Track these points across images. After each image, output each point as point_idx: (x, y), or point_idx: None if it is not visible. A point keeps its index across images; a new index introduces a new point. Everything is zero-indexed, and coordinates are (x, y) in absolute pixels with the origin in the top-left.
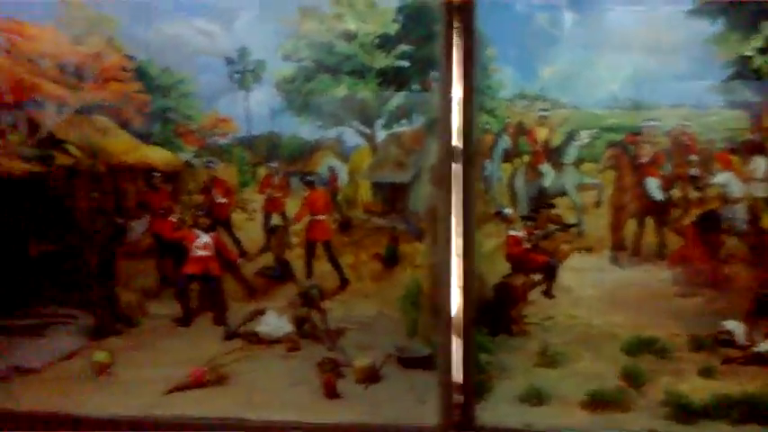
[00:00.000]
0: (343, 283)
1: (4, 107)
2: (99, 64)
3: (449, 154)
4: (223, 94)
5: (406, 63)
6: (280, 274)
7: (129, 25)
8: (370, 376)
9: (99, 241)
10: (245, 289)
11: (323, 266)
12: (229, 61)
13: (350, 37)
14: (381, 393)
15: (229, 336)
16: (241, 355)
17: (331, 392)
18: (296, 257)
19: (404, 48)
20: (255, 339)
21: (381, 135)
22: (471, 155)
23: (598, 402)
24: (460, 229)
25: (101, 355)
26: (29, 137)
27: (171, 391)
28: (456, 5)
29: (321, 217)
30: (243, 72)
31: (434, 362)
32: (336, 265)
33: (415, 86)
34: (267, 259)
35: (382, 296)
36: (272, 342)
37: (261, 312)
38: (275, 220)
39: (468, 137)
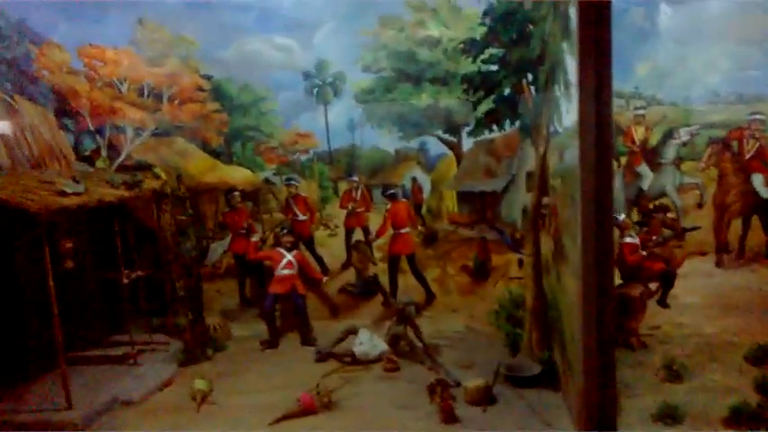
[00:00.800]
0: (429, 297)
1: (86, 133)
2: (176, 85)
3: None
4: (302, 110)
5: (494, 67)
6: (363, 290)
7: (206, 44)
8: (486, 397)
9: (184, 265)
10: (327, 307)
11: (407, 281)
12: (307, 75)
13: (432, 44)
14: (502, 416)
15: (322, 357)
16: (342, 378)
17: (450, 417)
18: (379, 272)
19: (492, 51)
20: (350, 360)
21: (468, 143)
22: (607, 158)
23: (741, 418)
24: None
25: (201, 384)
26: (111, 162)
27: (281, 420)
28: (593, 3)
29: (404, 230)
30: (321, 86)
31: (551, 380)
32: (421, 280)
33: (507, 91)
34: (350, 276)
35: (470, 310)
36: (368, 362)
37: (353, 331)
38: (357, 235)
39: (604, 138)
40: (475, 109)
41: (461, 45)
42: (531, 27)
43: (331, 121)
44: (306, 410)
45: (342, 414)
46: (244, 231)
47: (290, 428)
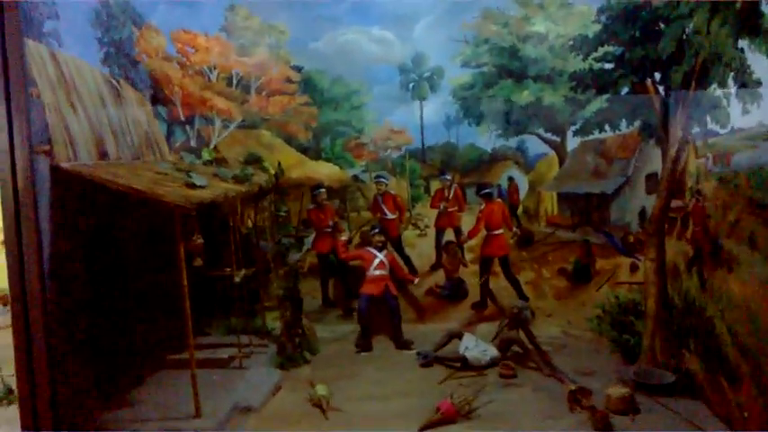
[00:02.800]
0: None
1: (177, 122)
2: (265, 75)
3: None
4: (396, 105)
5: (609, 65)
6: (452, 292)
7: (297, 34)
8: (631, 406)
9: (271, 263)
10: (414, 309)
11: (499, 284)
12: (404, 69)
13: (538, 40)
14: (653, 424)
15: (428, 362)
16: (461, 384)
17: (605, 426)
18: (470, 274)
19: (607, 49)
20: (460, 366)
21: (573, 143)
22: None
23: None
24: None
25: (323, 389)
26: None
27: (424, 429)
28: None
29: (498, 231)
30: (418, 80)
31: (686, 388)
32: (514, 283)
33: (625, 90)
34: (438, 278)
35: (567, 315)
36: (480, 368)
37: (456, 336)
38: (448, 235)
39: None
40: (583, 108)
41: (570, 42)
42: (661, 25)
43: (426, 118)
44: (447, 418)
45: (483, 423)
46: (329, 230)
47: None
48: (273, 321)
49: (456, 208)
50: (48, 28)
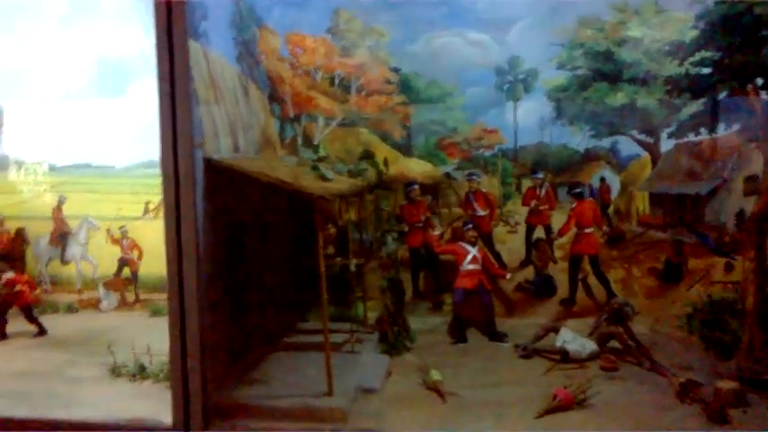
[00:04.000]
0: (610, 298)
1: (287, 120)
2: (364, 76)
3: None
4: (490, 106)
5: (707, 70)
6: (541, 288)
7: (396, 37)
8: (742, 399)
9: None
10: (503, 304)
11: (590, 281)
12: (500, 71)
13: (633, 44)
14: (762, 419)
15: (527, 354)
16: (565, 376)
17: (721, 418)
18: (559, 271)
19: (705, 54)
20: (560, 358)
21: (667, 144)
22: None
23: None
24: None
25: (437, 375)
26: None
27: (543, 415)
28: None
29: (589, 230)
30: (513, 82)
31: None
32: (603, 280)
33: (723, 94)
34: (527, 274)
35: (655, 314)
36: (580, 361)
37: (553, 329)
38: (538, 233)
39: None
40: (678, 111)
41: (666, 47)
42: (764, 31)
43: (519, 118)
44: (564, 406)
45: (597, 412)
46: (420, 225)
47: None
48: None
49: (547, 206)
50: (201, 28)
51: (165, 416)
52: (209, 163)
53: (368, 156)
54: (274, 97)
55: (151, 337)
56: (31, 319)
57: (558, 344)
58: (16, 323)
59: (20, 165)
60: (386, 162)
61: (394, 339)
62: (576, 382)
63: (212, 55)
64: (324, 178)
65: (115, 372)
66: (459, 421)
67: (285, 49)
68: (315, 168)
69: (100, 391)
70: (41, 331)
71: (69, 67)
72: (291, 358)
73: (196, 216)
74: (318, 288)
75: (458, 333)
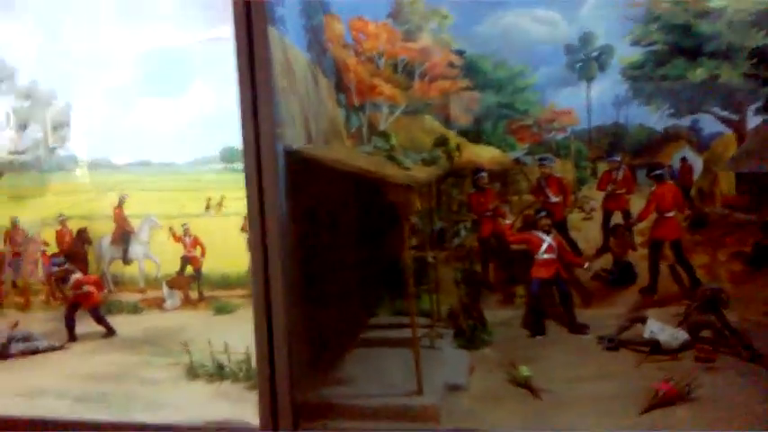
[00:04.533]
0: (694, 285)
1: (352, 109)
2: (428, 61)
3: None
4: (562, 86)
5: None
6: (620, 277)
7: (460, 18)
8: None
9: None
10: (579, 294)
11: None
12: (571, 49)
13: (715, 16)
14: None
15: (614, 346)
16: (661, 369)
17: None
18: (639, 258)
19: None
20: (649, 350)
21: (754, 121)
22: None
23: None
24: None
25: (526, 371)
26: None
27: (648, 410)
28: None
29: (670, 213)
30: (585, 60)
31: None
32: (687, 266)
33: None
34: (605, 261)
35: (744, 300)
36: (671, 352)
37: (640, 320)
38: (616, 218)
39: None
40: (765, 85)
41: (751, 17)
42: None
43: (593, 98)
44: (668, 400)
45: (702, 406)
46: (490, 213)
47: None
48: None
49: (625, 190)
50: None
51: (250, 417)
52: (288, 154)
53: (442, 142)
54: (340, 86)
55: (222, 335)
56: (100, 320)
57: (646, 335)
58: (83, 324)
59: (80, 163)
60: (458, 148)
61: (470, 333)
62: (672, 374)
63: (287, 42)
64: (403, 167)
65: (192, 372)
66: (558, 418)
67: (349, 36)
68: (391, 158)
69: (179, 393)
70: (110, 332)
71: (127, 63)
72: (371, 355)
73: (280, 209)
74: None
75: (536, 325)
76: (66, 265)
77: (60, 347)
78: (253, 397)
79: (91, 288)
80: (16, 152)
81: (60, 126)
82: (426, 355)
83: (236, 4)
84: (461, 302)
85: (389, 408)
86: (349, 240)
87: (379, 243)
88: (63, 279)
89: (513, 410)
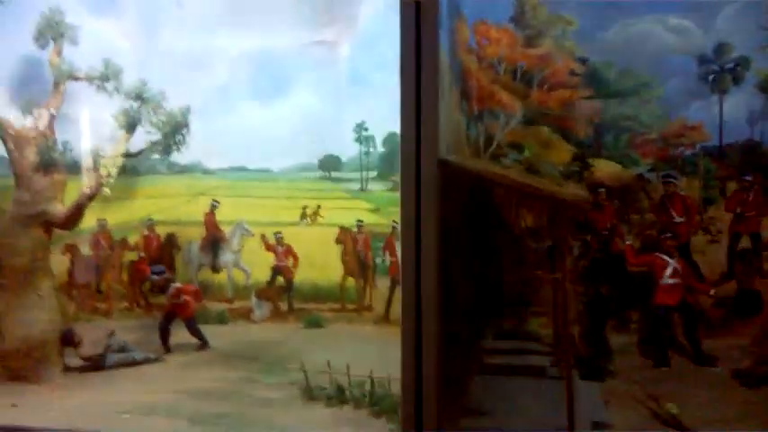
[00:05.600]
0: None
1: (472, 118)
2: (548, 68)
3: None
4: (692, 99)
5: None
6: (744, 305)
7: (585, 24)
8: None
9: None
10: (701, 322)
11: None
12: (703, 60)
13: None
14: None
15: (755, 382)
16: None
17: None
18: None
19: None
20: None
21: None
22: None
23: None
24: None
25: (673, 408)
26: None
27: None
28: None
29: None
30: (719, 72)
31: None
32: None
33: None
34: (728, 289)
35: None
36: None
37: None
38: (744, 242)
39: None
40: None
41: None
42: None
43: (726, 113)
44: None
45: None
46: (607, 232)
47: None
48: (539, 328)
49: (755, 212)
50: None
51: None
52: (445, 165)
53: (580, 157)
54: (463, 93)
55: (321, 352)
56: (194, 332)
57: None
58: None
59: (173, 167)
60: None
61: (593, 363)
62: None
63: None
64: (556, 182)
65: (308, 394)
66: None
67: (473, 39)
68: (534, 171)
69: (297, 416)
70: (204, 344)
71: (227, 65)
72: (496, 383)
73: (438, 225)
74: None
75: (659, 356)
76: (166, 274)
77: (156, 359)
78: (379, 424)
79: (188, 298)
80: (128, 154)
81: (178, 129)
82: (554, 387)
83: (405, 5)
84: (582, 328)
85: None
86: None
87: (489, 261)
88: (162, 288)
89: None
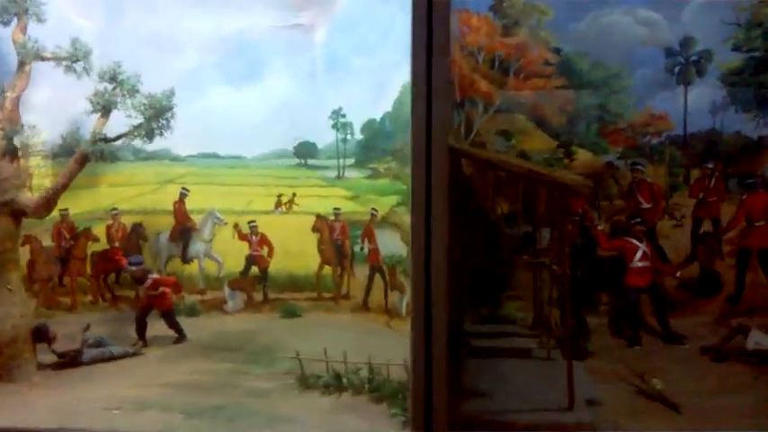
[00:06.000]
0: None
1: (454, 106)
2: (524, 57)
3: None
4: (659, 89)
5: None
6: (706, 286)
7: (559, 15)
8: None
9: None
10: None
11: (758, 278)
12: (670, 53)
13: None
14: None
15: (721, 357)
16: None
17: None
18: (726, 267)
19: None
20: (758, 360)
21: None
22: None
23: None
24: None
25: (658, 384)
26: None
27: None
28: None
29: (760, 223)
30: (684, 64)
31: None
32: None
33: None
34: (692, 270)
35: None
36: None
37: (742, 330)
38: (705, 226)
39: None
40: None
41: None
42: None
43: (690, 103)
44: None
45: None
46: (577, 218)
47: None
48: (516, 311)
49: (716, 198)
50: None
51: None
52: (452, 152)
53: (565, 144)
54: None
55: (305, 341)
56: (172, 324)
57: (751, 345)
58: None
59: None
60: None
61: (573, 343)
62: None
63: None
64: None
65: (304, 383)
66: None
67: (457, 28)
68: (524, 157)
69: (298, 405)
70: (181, 337)
71: (197, 48)
72: (489, 365)
73: (449, 212)
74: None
75: (632, 335)
76: (143, 265)
77: (134, 354)
78: (379, 409)
79: (167, 289)
80: (105, 139)
81: (162, 112)
82: (543, 368)
83: None
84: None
85: (541, 424)
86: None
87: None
88: (139, 279)
89: (656, 425)
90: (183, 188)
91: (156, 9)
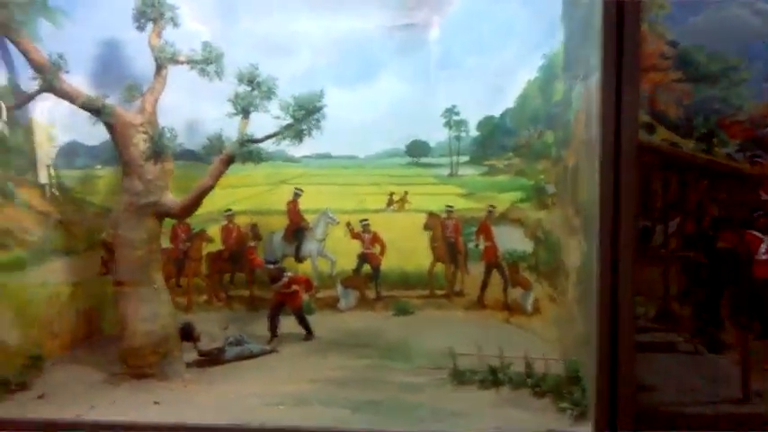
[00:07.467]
0: None
1: None
2: (642, 51)
3: None
4: None
5: None
6: None
7: (677, 8)
8: None
9: None
10: None
11: None
12: None
13: None
14: None
15: None
16: None
17: None
18: None
19: None
20: None
21: None
22: None
23: None
24: None
25: None
26: None
27: None
28: None
29: None
30: None
31: None
32: None
33: None
34: None
35: None
36: None
37: None
38: None
39: None
40: None
41: None
42: None
43: None
44: None
45: None
46: (695, 212)
47: None
48: (637, 307)
49: None
50: None
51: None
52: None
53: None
54: None
55: (430, 337)
56: (302, 322)
57: None
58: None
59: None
60: None
61: (709, 337)
62: None
63: None
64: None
65: (458, 377)
66: None
67: None
68: None
69: (459, 399)
70: (310, 335)
71: (311, 50)
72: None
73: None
74: None
75: (761, 327)
76: (279, 264)
77: (272, 351)
78: (541, 404)
79: (299, 287)
80: (252, 140)
81: (312, 113)
82: (692, 361)
83: None
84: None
85: (717, 417)
86: None
87: None
88: (275, 278)
89: None
90: (297, 188)
91: (270, 12)
